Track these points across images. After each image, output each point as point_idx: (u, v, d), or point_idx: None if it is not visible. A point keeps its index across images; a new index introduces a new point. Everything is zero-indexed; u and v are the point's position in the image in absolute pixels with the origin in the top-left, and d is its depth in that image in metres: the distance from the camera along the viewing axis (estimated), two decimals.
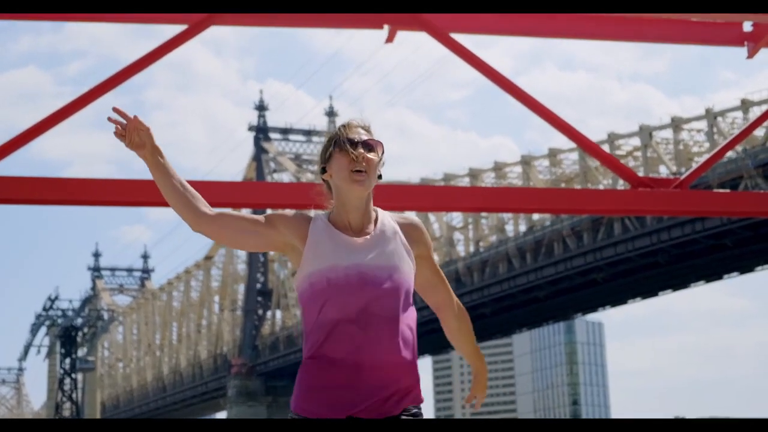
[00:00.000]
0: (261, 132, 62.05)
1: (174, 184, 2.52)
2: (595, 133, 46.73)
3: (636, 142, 38.56)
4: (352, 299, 2.42)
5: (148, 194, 6.19)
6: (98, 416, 58.75)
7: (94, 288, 76.91)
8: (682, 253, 36.04)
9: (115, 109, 2.53)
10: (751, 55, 6.99)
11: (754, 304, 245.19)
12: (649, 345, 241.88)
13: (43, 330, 59.85)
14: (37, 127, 6.29)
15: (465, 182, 43.18)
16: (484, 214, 42.92)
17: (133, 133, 2.50)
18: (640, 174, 6.98)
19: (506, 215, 42.34)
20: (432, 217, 45.15)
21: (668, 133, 37.94)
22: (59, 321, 57.72)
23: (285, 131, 62.87)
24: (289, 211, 2.57)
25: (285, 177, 58.57)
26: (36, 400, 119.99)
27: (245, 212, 2.61)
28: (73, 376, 56.02)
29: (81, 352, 56.48)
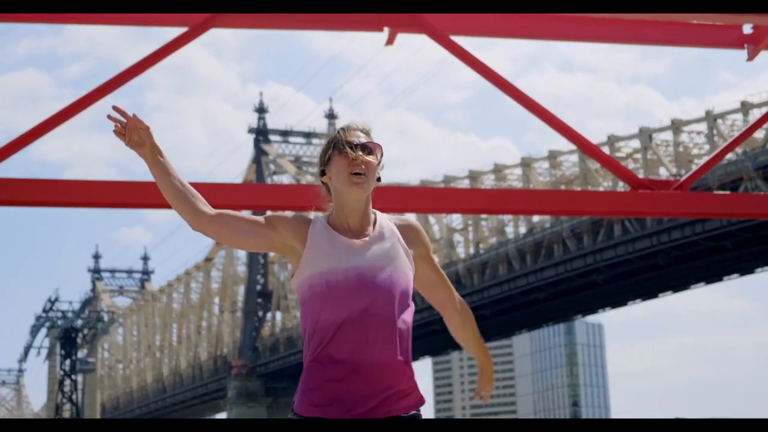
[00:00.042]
0: (261, 134, 62.07)
1: (174, 182, 2.52)
2: (594, 135, 46.79)
3: (636, 144, 38.57)
4: (352, 301, 2.44)
5: (148, 196, 6.19)
6: (98, 417, 58.74)
7: (94, 290, 76.91)
8: (682, 255, 36.05)
9: (114, 108, 2.54)
10: (751, 57, 6.99)
11: (753, 306, 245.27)
12: (649, 346, 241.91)
13: (43, 331, 59.86)
14: (37, 129, 6.29)
15: (465, 184, 43.18)
16: (484, 215, 42.93)
17: (132, 131, 2.51)
18: (640, 176, 6.97)
19: (506, 217, 42.35)
20: (432, 218, 45.16)
21: (668, 135, 37.95)
22: (59, 322, 57.70)
23: (285, 133, 62.89)
24: (288, 213, 2.58)
25: (285, 179, 58.58)
26: (36, 402, 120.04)
27: (245, 213, 2.61)
28: (73, 377, 56.00)
29: (81, 353, 56.46)
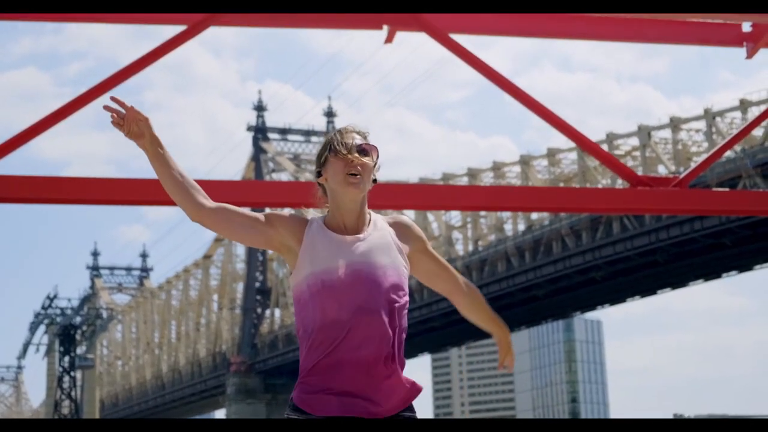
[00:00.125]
0: (260, 132, 62.06)
1: (174, 174, 2.54)
2: (593, 133, 46.75)
3: (635, 142, 38.58)
4: (347, 298, 2.47)
5: (147, 193, 6.20)
6: (97, 414, 58.73)
7: (93, 287, 76.92)
8: (681, 252, 36.08)
9: (112, 98, 2.55)
10: (750, 55, 7.00)
11: (752, 303, 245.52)
12: (648, 343, 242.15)
13: (42, 328, 59.85)
14: (36, 126, 6.29)
15: (464, 182, 43.19)
16: (482, 213, 42.94)
17: (131, 122, 2.52)
18: (639, 174, 6.97)
19: (505, 214, 42.36)
20: (431, 216, 45.17)
21: (667, 133, 37.97)
22: (58, 319, 57.69)
23: (284, 131, 62.88)
24: (286, 213, 2.60)
25: (284, 177, 58.57)
26: (35, 398, 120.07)
27: (245, 210, 2.63)
28: (72, 374, 56.00)
29: (80, 350, 56.46)
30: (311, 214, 2.63)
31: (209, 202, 2.56)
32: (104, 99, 6.40)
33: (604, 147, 36.70)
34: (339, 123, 66.83)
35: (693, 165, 6.98)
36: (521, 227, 42.11)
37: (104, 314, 61.19)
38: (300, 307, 2.54)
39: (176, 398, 68.81)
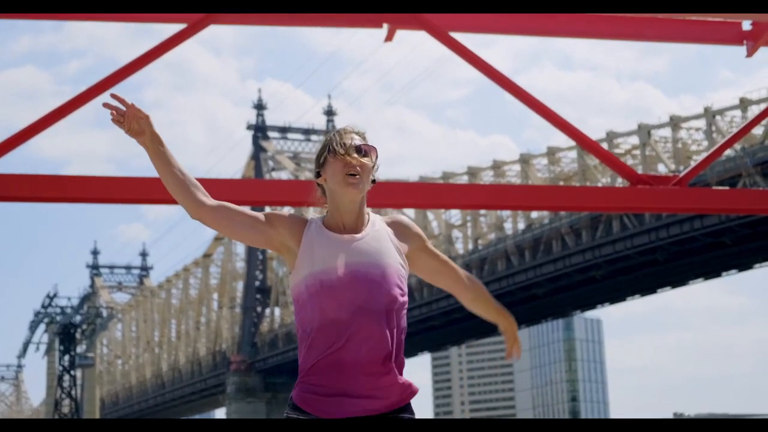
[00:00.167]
0: (259, 131, 62.04)
1: (174, 171, 2.54)
2: (593, 131, 46.73)
3: (634, 140, 38.57)
4: (346, 298, 2.47)
5: (147, 191, 6.19)
6: (97, 413, 58.73)
7: (92, 285, 76.92)
8: (681, 251, 36.08)
9: (113, 96, 2.56)
10: (750, 53, 6.99)
11: (752, 302, 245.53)
12: (648, 342, 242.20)
13: (42, 327, 59.82)
14: (36, 125, 6.29)
15: (464, 180, 43.19)
16: (482, 211, 42.93)
17: (131, 120, 2.52)
18: (639, 172, 6.97)
19: (505, 213, 42.36)
20: (431, 214, 45.17)
21: (667, 132, 37.96)
22: (58, 318, 57.67)
23: (284, 130, 62.87)
24: (286, 212, 2.61)
25: (283, 175, 58.58)
26: (35, 397, 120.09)
27: (245, 208, 2.64)
28: (72, 373, 55.98)
29: (80, 349, 56.45)
30: (311, 214, 2.64)
31: (210, 200, 2.57)
32: (104, 97, 6.39)
33: (604, 146, 36.69)
34: (339, 121, 66.81)
35: (693, 163, 6.98)
36: (521, 226, 42.10)
37: (104, 313, 61.18)
38: (299, 307, 2.54)
39: (176, 397, 68.83)
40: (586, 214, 37.18)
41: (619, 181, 32.94)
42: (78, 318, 57.43)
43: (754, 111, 34.48)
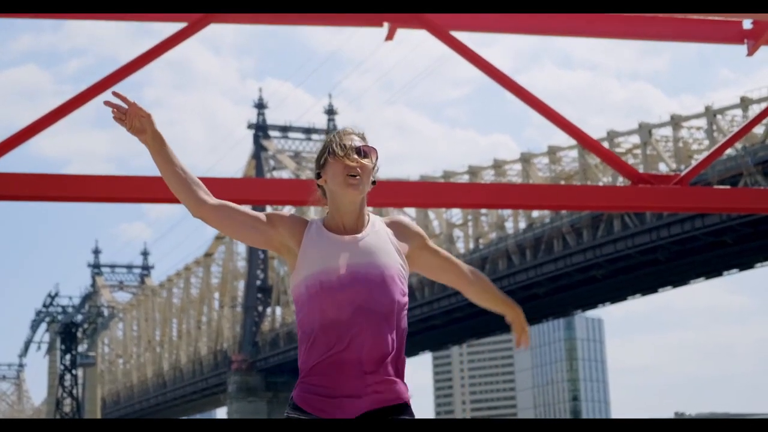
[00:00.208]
0: (260, 130, 62.04)
1: (176, 170, 2.55)
2: (594, 131, 46.69)
3: (635, 139, 38.55)
4: (345, 298, 2.48)
5: (148, 190, 6.19)
6: (99, 412, 58.76)
7: (94, 285, 76.96)
8: (682, 250, 36.06)
9: (114, 93, 2.56)
10: (751, 52, 6.99)
11: (753, 301, 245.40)
12: (649, 342, 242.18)
13: (43, 326, 59.84)
14: (36, 124, 6.29)
15: (464, 180, 43.17)
16: (483, 211, 42.93)
17: (133, 118, 2.53)
18: (640, 172, 6.97)
19: (506, 212, 42.35)
20: (432, 213, 45.17)
21: (668, 131, 37.94)
22: (59, 317, 57.70)
23: (284, 129, 62.87)
24: (287, 213, 2.61)
25: (284, 175, 58.58)
26: (36, 396, 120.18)
27: (246, 208, 2.64)
28: (74, 372, 56.01)
29: (81, 348, 56.49)
30: (312, 214, 2.65)
31: (211, 199, 2.58)
32: (104, 97, 6.38)
33: (605, 145, 36.68)
34: (339, 120, 66.79)
35: (694, 163, 6.98)
36: (522, 225, 42.09)
37: (105, 312, 61.20)
38: (299, 308, 2.56)
39: (177, 396, 68.87)
40: (587, 213, 37.17)
41: (620, 181, 32.93)
42: (79, 317, 57.46)
43: (754, 110, 34.46)
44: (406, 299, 2.58)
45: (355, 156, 2.55)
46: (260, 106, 62.94)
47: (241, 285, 63.27)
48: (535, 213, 41.00)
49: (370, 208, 2.66)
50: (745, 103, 35.02)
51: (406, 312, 2.57)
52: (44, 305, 58.68)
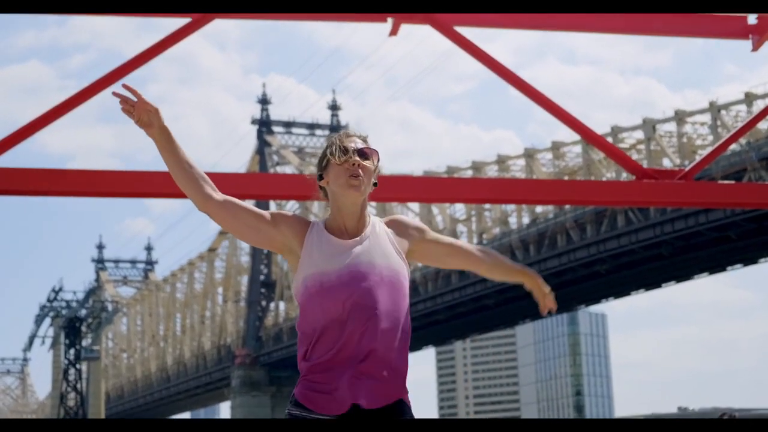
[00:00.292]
0: (264, 125, 62.03)
1: (182, 164, 2.57)
2: (598, 126, 46.64)
3: (639, 135, 38.46)
4: (346, 297, 2.51)
5: (151, 185, 6.20)
6: (102, 406, 58.89)
7: (98, 279, 77.08)
8: (686, 245, 36.01)
9: (124, 86, 2.57)
10: (756, 47, 6.97)
11: (757, 296, 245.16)
12: (652, 337, 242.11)
13: (48, 321, 59.93)
14: (40, 120, 6.30)
15: (468, 175, 43.12)
16: (487, 206, 42.89)
17: (141, 112, 2.54)
18: (644, 167, 6.96)
19: (509, 207, 42.31)
20: (435, 209, 45.15)
21: (672, 127, 37.86)
22: (63, 312, 57.80)
23: (288, 125, 62.84)
24: (291, 213, 2.64)
25: (288, 170, 58.57)
26: (41, 391, 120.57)
27: (250, 204, 2.66)
28: (78, 366, 56.14)
29: (85, 342, 56.60)
30: (315, 209, 2.66)
31: (218, 195, 2.59)
32: (108, 92, 6.40)
33: (609, 140, 36.58)
34: (343, 116, 66.75)
35: (698, 158, 6.96)
36: (526, 220, 42.06)
37: (109, 307, 61.29)
38: (301, 308, 2.59)
39: (181, 391, 68.99)
40: (590, 208, 37.13)
41: (624, 176, 32.89)
42: (83, 312, 57.57)
43: (759, 105, 34.37)
44: (407, 299, 2.60)
45: (357, 158, 2.57)
46: (264, 101, 62.91)
47: (244, 280, 63.33)
48: (539, 208, 40.96)
49: (373, 203, 2.68)
50: (749, 98, 34.92)
51: (408, 311, 2.59)
52: (48, 300, 58.80)
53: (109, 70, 6.38)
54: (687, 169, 6.75)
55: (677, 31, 7.18)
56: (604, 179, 37.57)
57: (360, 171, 2.57)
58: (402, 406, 2.54)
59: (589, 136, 6.88)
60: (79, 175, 6.37)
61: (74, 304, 58.05)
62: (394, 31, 6.71)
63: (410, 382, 2.60)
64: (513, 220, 42.91)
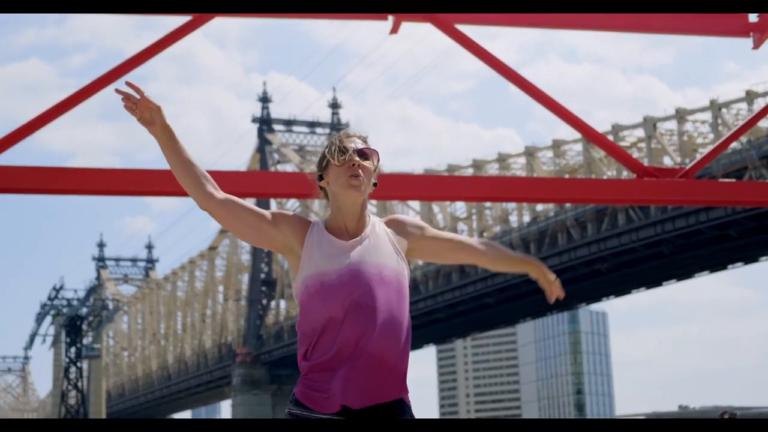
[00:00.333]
0: (264, 124, 62.03)
1: (184, 162, 2.58)
2: (599, 124, 46.64)
3: (640, 133, 38.45)
4: (346, 297, 2.51)
5: (152, 183, 6.19)
6: (104, 404, 58.93)
7: (98, 278, 77.09)
8: (687, 244, 36.00)
9: (127, 83, 2.58)
10: (757, 45, 6.96)
11: (758, 295, 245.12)
12: (653, 335, 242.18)
13: (49, 319, 59.97)
14: (41, 118, 6.30)
15: (469, 173, 43.13)
16: (488, 204, 42.89)
17: (143, 109, 2.54)
18: (644, 165, 6.95)
19: (510, 206, 42.31)
20: (436, 207, 45.14)
21: (673, 125, 37.85)
22: (64, 310, 57.84)
23: (288, 123, 62.84)
24: (291, 213, 2.65)
25: (288, 168, 58.58)
26: (42, 389, 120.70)
27: (251, 203, 2.66)
28: (79, 364, 56.18)
29: (86, 340, 56.64)
30: (316, 208, 2.67)
31: (219, 193, 2.60)
32: (108, 90, 6.41)
33: (610, 138, 36.54)
34: (344, 114, 66.80)
35: (699, 156, 6.95)
36: (526, 218, 42.05)
37: (110, 305, 61.33)
38: (301, 308, 2.60)
39: (182, 389, 69.04)
40: (591, 206, 37.12)
41: (625, 174, 32.87)
42: (84, 310, 57.60)
43: (760, 103, 34.35)
44: (407, 299, 2.61)
45: (357, 158, 2.58)
46: (264, 99, 62.92)
47: (245, 278, 63.35)
48: (540, 206, 40.95)
49: (374, 202, 2.68)
50: (750, 96, 34.90)
51: (408, 311, 2.60)
52: (49, 298, 58.83)
53: (110, 69, 6.37)
54: (688, 167, 6.75)
55: (678, 29, 7.17)
56: (604, 177, 37.55)
57: (360, 171, 2.57)
58: (402, 405, 2.54)
59: (590, 135, 6.88)
60: (79, 174, 6.38)
61: (75, 303, 58.09)
62: (394, 29, 6.71)
63: (411, 381, 2.60)
64: (514, 219, 42.92)
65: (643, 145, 38.21)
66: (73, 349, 56.39)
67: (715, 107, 35.86)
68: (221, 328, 64.10)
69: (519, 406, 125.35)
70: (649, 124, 37.40)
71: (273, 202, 50.50)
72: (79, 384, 56.29)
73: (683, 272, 40.62)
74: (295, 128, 62.90)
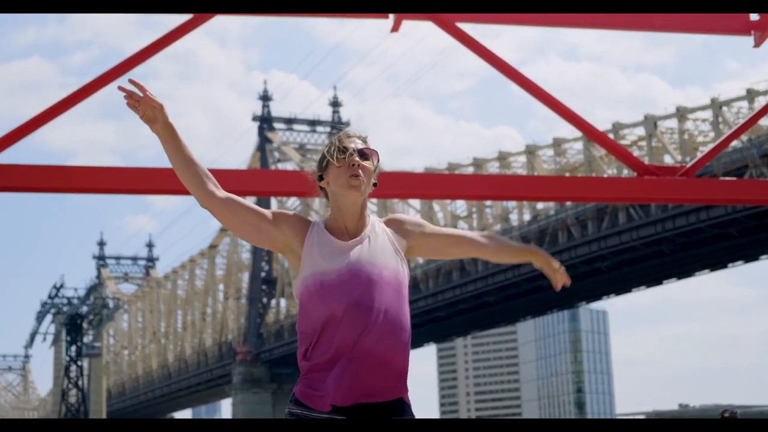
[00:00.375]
0: (265, 122, 62.03)
1: (186, 160, 2.59)
2: (599, 123, 46.55)
3: (641, 131, 38.45)
4: (346, 296, 2.52)
5: (153, 182, 6.20)
6: (104, 403, 58.97)
7: (99, 276, 77.11)
8: (687, 242, 36.01)
9: (131, 81, 2.58)
10: (758, 44, 6.96)
11: (758, 293, 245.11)
12: (653, 333, 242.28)
13: (49, 318, 60.04)
14: (42, 116, 6.30)
15: (469, 172, 43.13)
16: (488, 203, 42.90)
17: (146, 107, 2.55)
18: (645, 163, 6.95)
19: (510, 204, 42.31)
20: (436, 206, 45.15)
21: (673, 123, 37.85)
22: (65, 309, 57.88)
23: (289, 121, 62.85)
24: (292, 213, 2.66)
25: (289, 166, 58.57)
26: (42, 387, 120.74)
27: (251, 202, 2.66)
28: (79, 363, 56.23)
29: (86, 339, 56.69)
30: (316, 207, 2.67)
31: (220, 192, 2.60)
32: (110, 89, 6.41)
33: (610, 137, 36.53)
34: (344, 113, 66.72)
35: (699, 155, 6.96)
36: (527, 217, 42.05)
37: (110, 304, 61.37)
38: (301, 308, 2.60)
39: (182, 387, 69.07)
40: (591, 205, 37.12)
41: (626, 172, 32.87)
42: (84, 308, 57.63)
43: (760, 102, 34.34)
44: (407, 298, 2.61)
45: (357, 158, 2.58)
46: (265, 98, 62.92)
47: (245, 277, 63.37)
48: (540, 205, 40.95)
49: (374, 200, 2.68)
50: (751, 95, 34.90)
51: (407, 311, 2.60)
52: (50, 297, 58.87)
53: (111, 67, 6.38)
54: (688, 165, 6.75)
55: (679, 27, 7.17)
56: (605, 176, 37.55)
57: (360, 171, 2.57)
58: (401, 404, 2.54)
59: (590, 133, 6.88)
60: (80, 172, 6.38)
61: (75, 301, 58.12)
62: (395, 28, 6.71)
63: (411, 380, 2.60)
64: (514, 217, 42.93)
65: (643, 143, 38.20)
66: (73, 348, 56.42)
67: (716, 105, 35.85)
68: (221, 327, 64.12)
69: (519, 404, 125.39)
70: (650, 122, 37.39)
71: (273, 201, 50.51)
72: (80, 382, 56.32)
73: (684, 271, 40.63)
74: (296, 126, 62.91)
